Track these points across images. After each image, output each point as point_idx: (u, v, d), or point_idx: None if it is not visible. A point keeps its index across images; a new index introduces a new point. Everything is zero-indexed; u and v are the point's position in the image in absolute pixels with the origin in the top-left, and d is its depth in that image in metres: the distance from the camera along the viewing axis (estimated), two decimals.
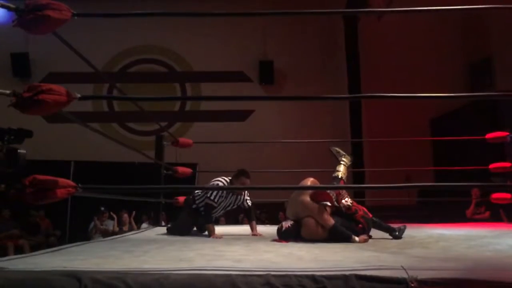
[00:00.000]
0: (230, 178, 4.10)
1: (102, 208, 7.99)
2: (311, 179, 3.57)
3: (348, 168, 3.91)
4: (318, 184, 3.61)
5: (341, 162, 3.89)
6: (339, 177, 3.79)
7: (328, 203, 3.42)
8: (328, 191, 3.50)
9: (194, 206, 4.15)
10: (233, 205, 4.16)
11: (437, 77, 9.75)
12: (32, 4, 1.93)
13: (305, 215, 3.40)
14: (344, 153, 3.97)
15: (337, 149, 4.02)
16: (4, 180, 2.10)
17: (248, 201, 4.17)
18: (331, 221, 3.35)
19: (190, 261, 2.22)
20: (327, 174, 4.07)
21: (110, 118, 11.22)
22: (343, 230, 3.34)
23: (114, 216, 8.11)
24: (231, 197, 4.10)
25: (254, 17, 10.70)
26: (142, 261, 2.27)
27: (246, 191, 4.18)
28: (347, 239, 3.27)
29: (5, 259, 2.25)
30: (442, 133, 9.52)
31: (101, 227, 7.83)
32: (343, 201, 3.54)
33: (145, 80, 11.16)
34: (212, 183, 4.08)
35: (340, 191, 3.57)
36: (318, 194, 3.45)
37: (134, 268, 1.92)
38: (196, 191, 4.20)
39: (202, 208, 4.07)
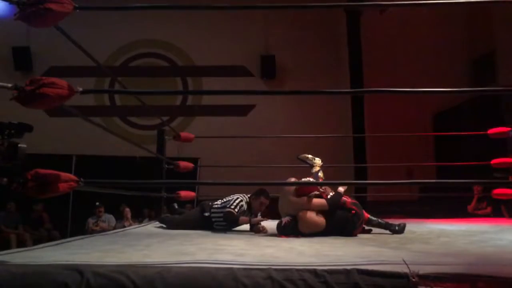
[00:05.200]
0: (249, 195, 4.11)
1: (97, 203, 7.98)
2: (293, 178, 3.69)
3: (322, 167, 4.02)
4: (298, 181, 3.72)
5: (315, 165, 3.98)
6: (319, 175, 3.89)
7: (316, 192, 3.53)
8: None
9: (206, 213, 4.13)
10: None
11: (440, 72, 9.72)
12: None
13: (297, 211, 3.48)
14: (312, 157, 4.09)
15: (305, 155, 4.11)
16: (6, 174, 2.10)
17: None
18: (323, 201, 3.49)
19: (192, 255, 2.23)
20: (327, 169, 4.10)
21: (111, 112, 11.21)
22: (333, 198, 3.54)
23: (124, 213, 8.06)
24: (246, 215, 4.08)
25: (256, 11, 10.65)
26: (143, 254, 2.27)
27: (260, 212, 4.16)
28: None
29: (8, 252, 2.26)
30: (445, 128, 9.50)
31: (96, 228, 7.75)
32: (328, 196, 3.62)
33: (147, 74, 11.13)
34: (231, 197, 4.09)
35: (324, 188, 3.62)
36: (302, 188, 3.55)
37: (135, 262, 1.93)
38: (216, 203, 4.16)
39: (219, 219, 4.04)
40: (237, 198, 4.08)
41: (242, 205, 4.06)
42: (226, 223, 4.05)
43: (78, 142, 10.03)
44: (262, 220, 3.91)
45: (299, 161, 4.16)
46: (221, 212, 4.04)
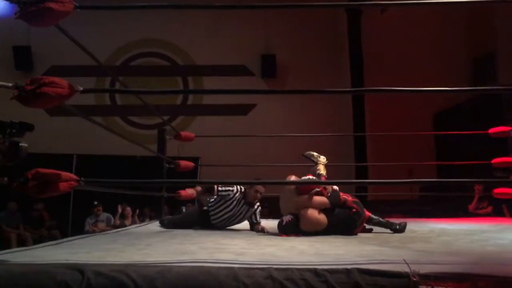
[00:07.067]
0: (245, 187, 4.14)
1: (95, 202, 7.97)
2: (293, 176, 3.68)
3: (326, 166, 4.02)
4: (298, 180, 3.73)
5: (319, 163, 3.98)
6: (321, 173, 3.88)
7: (317, 189, 3.53)
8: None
9: (205, 207, 4.18)
10: (242, 217, 4.12)
11: (440, 72, 9.72)
12: None
13: (299, 209, 3.48)
14: (318, 154, 4.08)
15: (310, 152, 4.11)
16: (6, 173, 2.10)
17: (258, 216, 4.14)
18: (325, 199, 3.50)
19: (192, 254, 2.23)
20: (328, 168, 4.10)
21: (112, 112, 11.22)
22: (333, 195, 3.56)
23: (120, 210, 8.07)
24: (242, 206, 4.08)
25: (257, 10, 10.65)
26: (144, 254, 2.27)
27: (259, 208, 4.17)
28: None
29: (8, 251, 2.26)
30: (445, 127, 9.50)
31: (94, 228, 7.72)
32: (328, 194, 3.62)
33: (147, 73, 11.15)
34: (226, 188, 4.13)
35: (325, 186, 3.62)
36: (303, 186, 3.56)
37: (136, 261, 1.93)
38: (214, 197, 4.18)
39: (214, 212, 4.09)
40: (232, 186, 4.12)
41: (233, 190, 4.08)
42: (221, 220, 4.10)
43: (78, 142, 10.04)
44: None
45: (303, 158, 4.14)
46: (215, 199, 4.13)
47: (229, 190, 4.08)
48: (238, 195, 4.09)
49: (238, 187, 4.13)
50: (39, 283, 1.60)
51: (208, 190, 4.16)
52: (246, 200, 4.08)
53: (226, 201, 4.07)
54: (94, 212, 8.02)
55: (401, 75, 9.45)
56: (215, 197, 4.16)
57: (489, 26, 9.25)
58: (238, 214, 4.10)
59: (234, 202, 4.07)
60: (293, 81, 10.82)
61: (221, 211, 4.09)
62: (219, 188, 4.07)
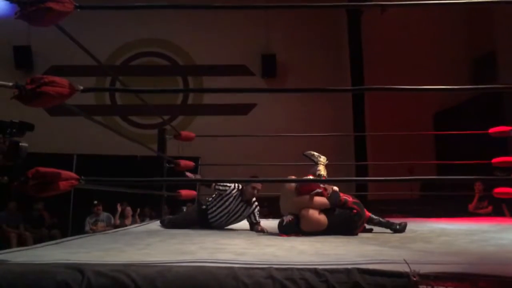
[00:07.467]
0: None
1: (95, 202, 7.97)
2: (293, 177, 3.72)
3: (326, 167, 4.02)
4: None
5: (319, 163, 3.98)
6: (321, 174, 3.88)
7: (318, 190, 3.53)
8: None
9: (203, 206, 4.19)
10: (239, 215, 4.13)
11: (440, 71, 9.72)
12: None
13: (299, 209, 3.49)
14: (318, 154, 4.08)
15: (311, 152, 4.11)
16: (7, 173, 2.10)
17: (257, 216, 4.15)
18: (325, 200, 3.50)
19: (192, 254, 2.23)
20: (328, 167, 4.10)
21: (112, 111, 11.22)
22: (333, 196, 3.56)
23: (119, 209, 8.08)
24: (239, 203, 4.09)
25: (257, 10, 10.65)
26: (144, 253, 2.27)
27: (257, 208, 4.18)
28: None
29: (8, 251, 2.26)
30: (445, 127, 9.50)
31: (94, 227, 7.73)
32: (328, 195, 3.61)
33: (148, 73, 11.14)
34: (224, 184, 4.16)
35: (326, 187, 3.62)
36: (303, 187, 3.55)
37: (136, 261, 1.93)
38: (212, 196, 4.22)
39: (212, 209, 4.13)
40: (230, 187, 4.14)
41: (230, 187, 4.11)
42: (219, 218, 4.12)
43: (79, 141, 10.04)
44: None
45: (304, 157, 4.14)
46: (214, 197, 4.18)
47: (226, 186, 4.12)
48: (235, 192, 4.11)
49: (236, 185, 4.14)
50: (39, 283, 1.60)
51: (206, 185, 4.25)
52: (244, 197, 4.09)
53: (223, 198, 4.10)
54: (94, 212, 8.01)
55: (401, 75, 9.44)
56: (213, 196, 4.19)
57: (489, 26, 9.25)
58: (235, 211, 4.10)
59: (231, 199, 4.08)
60: (293, 81, 10.82)
61: (218, 208, 4.11)
62: (216, 190, 4.11)
